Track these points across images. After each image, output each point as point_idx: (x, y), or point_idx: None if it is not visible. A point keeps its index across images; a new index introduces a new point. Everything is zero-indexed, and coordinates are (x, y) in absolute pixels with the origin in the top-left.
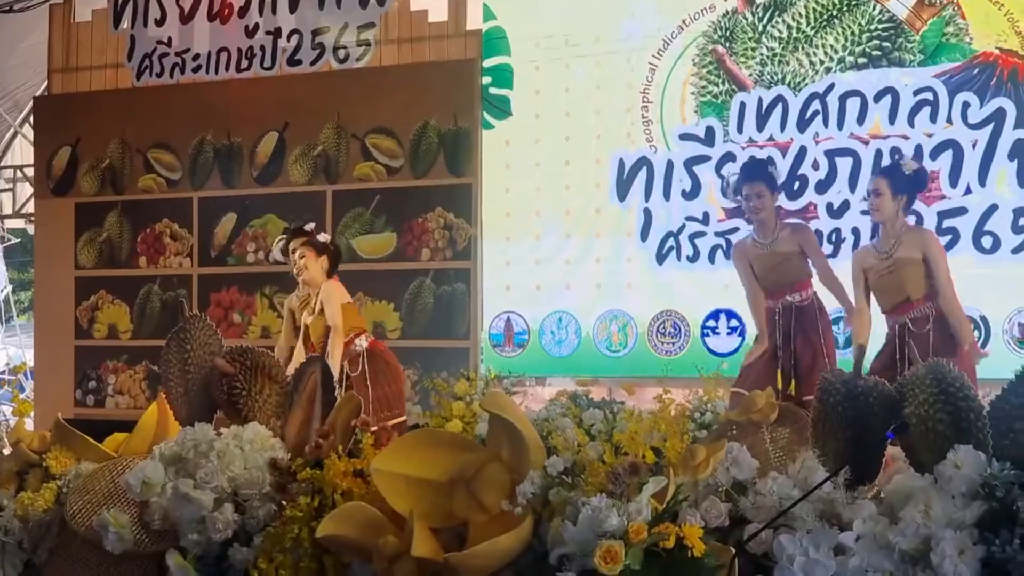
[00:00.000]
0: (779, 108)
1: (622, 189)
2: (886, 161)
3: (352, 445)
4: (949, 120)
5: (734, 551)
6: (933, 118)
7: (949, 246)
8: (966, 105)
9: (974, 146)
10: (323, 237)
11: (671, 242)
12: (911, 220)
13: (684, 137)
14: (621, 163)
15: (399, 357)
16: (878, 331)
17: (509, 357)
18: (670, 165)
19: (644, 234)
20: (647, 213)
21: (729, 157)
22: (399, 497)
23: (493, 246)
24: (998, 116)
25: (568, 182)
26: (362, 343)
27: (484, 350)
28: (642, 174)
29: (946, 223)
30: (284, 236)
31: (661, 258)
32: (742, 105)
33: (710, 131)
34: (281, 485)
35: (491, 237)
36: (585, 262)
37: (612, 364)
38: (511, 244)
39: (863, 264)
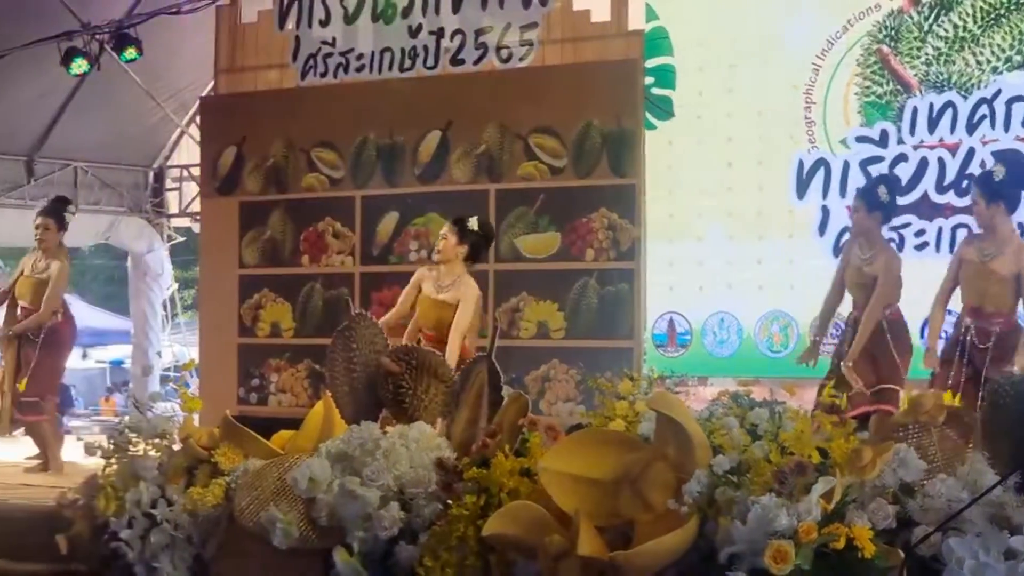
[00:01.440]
0: (949, 112)
1: (801, 188)
2: None
3: (519, 444)
4: None
5: (903, 554)
6: None
7: None
8: None
9: None
10: (472, 224)
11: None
12: None
13: (860, 140)
14: (801, 164)
15: (563, 357)
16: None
17: (672, 357)
18: (846, 166)
19: (822, 229)
20: (824, 210)
21: (901, 158)
22: (565, 496)
23: (656, 247)
24: None
25: (731, 184)
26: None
27: (647, 350)
28: (820, 174)
29: None
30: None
31: (838, 250)
32: (915, 110)
33: (884, 134)
34: (447, 484)
35: (654, 238)
36: (747, 263)
37: (773, 364)
38: (674, 245)
39: (963, 255)
